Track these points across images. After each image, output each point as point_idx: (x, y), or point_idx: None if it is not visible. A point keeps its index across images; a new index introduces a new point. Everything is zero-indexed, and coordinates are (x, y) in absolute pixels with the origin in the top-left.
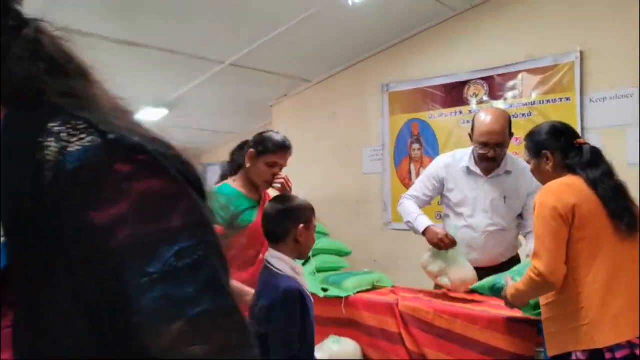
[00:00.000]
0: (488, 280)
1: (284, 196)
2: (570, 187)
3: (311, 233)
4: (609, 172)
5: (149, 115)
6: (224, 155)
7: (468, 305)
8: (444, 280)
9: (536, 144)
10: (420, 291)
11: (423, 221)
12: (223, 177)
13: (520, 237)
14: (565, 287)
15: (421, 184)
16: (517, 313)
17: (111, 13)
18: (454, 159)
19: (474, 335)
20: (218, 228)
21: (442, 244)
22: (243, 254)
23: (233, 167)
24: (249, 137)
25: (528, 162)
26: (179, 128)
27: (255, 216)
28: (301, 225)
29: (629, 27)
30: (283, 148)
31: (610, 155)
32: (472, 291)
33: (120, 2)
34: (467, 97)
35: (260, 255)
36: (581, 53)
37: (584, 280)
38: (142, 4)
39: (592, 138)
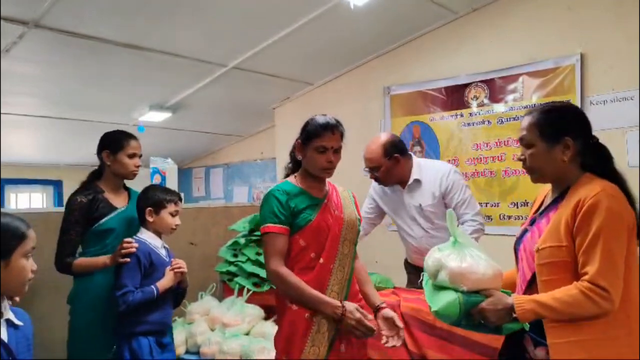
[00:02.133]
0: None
1: None
2: (620, 192)
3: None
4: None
5: (152, 118)
6: (227, 157)
7: None
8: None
9: (557, 126)
10: (422, 292)
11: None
12: (287, 175)
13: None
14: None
15: (365, 203)
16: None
17: (115, 16)
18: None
19: (476, 337)
20: (274, 227)
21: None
22: (303, 257)
23: (293, 164)
24: (252, 140)
25: (529, 146)
26: (182, 131)
27: (316, 215)
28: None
29: (630, 30)
30: (326, 129)
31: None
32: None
33: (124, 5)
34: (468, 100)
35: (322, 260)
36: (582, 56)
37: (634, 301)
38: (146, 8)
39: None
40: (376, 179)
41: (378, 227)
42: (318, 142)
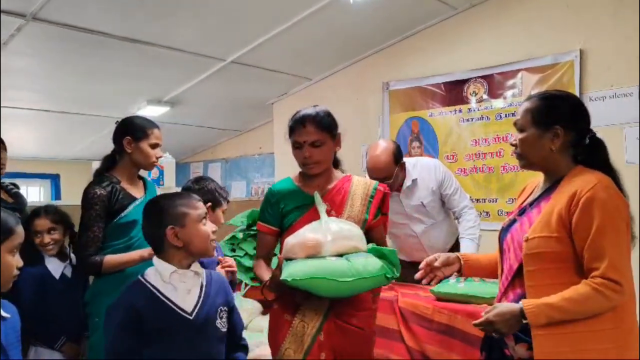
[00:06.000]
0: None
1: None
2: (615, 186)
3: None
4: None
5: (150, 113)
6: (225, 152)
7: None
8: None
9: (549, 113)
10: (420, 288)
11: None
12: None
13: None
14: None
15: None
16: None
17: (114, 10)
18: None
19: (474, 331)
20: (261, 226)
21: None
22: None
23: None
24: (250, 135)
25: (521, 130)
26: (180, 125)
27: (303, 216)
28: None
29: (629, 27)
30: (297, 123)
31: (609, 154)
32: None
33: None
34: (467, 95)
35: None
36: (581, 52)
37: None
38: (145, 2)
39: None
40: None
41: None
42: (293, 137)
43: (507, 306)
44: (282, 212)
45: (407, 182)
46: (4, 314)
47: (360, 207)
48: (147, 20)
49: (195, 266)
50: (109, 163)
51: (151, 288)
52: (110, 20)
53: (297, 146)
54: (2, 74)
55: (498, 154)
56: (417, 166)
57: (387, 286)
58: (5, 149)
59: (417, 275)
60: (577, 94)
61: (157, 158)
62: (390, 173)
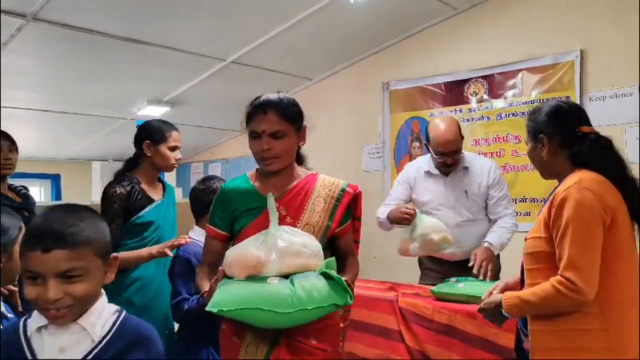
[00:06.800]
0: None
1: None
2: (604, 186)
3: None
4: (626, 167)
5: (150, 113)
6: (225, 152)
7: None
8: (414, 249)
9: (534, 126)
10: (420, 287)
11: (385, 210)
12: None
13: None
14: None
15: (395, 190)
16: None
17: (114, 10)
18: (418, 165)
19: (474, 331)
20: (209, 229)
21: (406, 216)
22: None
23: None
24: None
25: (527, 144)
26: (180, 125)
27: (252, 222)
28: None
29: (629, 27)
30: (257, 108)
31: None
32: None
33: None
34: (467, 95)
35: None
36: (581, 52)
37: (611, 298)
38: (145, 1)
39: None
40: (449, 166)
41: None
42: (250, 125)
43: (495, 296)
44: (233, 214)
45: (458, 168)
46: (9, 314)
47: (322, 212)
48: (147, 20)
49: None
50: (131, 165)
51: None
52: (110, 20)
53: (254, 136)
54: (2, 74)
55: (498, 154)
56: (470, 157)
57: (387, 286)
58: (16, 150)
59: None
60: (577, 94)
61: (177, 160)
62: (460, 146)
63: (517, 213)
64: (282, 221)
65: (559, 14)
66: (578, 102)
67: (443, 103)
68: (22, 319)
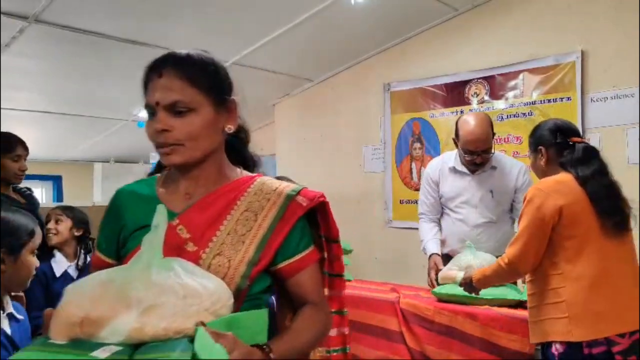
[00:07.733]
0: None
1: None
2: (561, 186)
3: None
4: (601, 170)
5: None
6: None
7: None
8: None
9: (534, 140)
10: (421, 289)
11: (429, 248)
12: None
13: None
14: (549, 280)
15: (423, 194)
16: (520, 312)
17: (116, 12)
18: (443, 161)
19: (475, 332)
20: (95, 257)
21: (429, 284)
22: None
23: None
24: (251, 136)
25: (530, 158)
26: None
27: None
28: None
29: (630, 27)
30: (152, 71)
31: (611, 154)
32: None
33: (124, 0)
34: (468, 96)
35: None
36: (582, 53)
37: (569, 275)
38: (146, 3)
39: (593, 138)
40: (477, 165)
41: (377, 224)
42: (146, 97)
43: (469, 273)
44: (122, 233)
45: (486, 167)
46: (18, 315)
47: (250, 236)
48: (149, 22)
49: None
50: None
51: None
52: (112, 22)
53: (149, 112)
54: (3, 75)
55: None
56: (499, 157)
57: (389, 288)
58: (27, 155)
59: None
60: (578, 94)
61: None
62: (490, 145)
63: None
64: (180, 249)
65: (560, 15)
66: (579, 103)
67: (444, 104)
68: None
